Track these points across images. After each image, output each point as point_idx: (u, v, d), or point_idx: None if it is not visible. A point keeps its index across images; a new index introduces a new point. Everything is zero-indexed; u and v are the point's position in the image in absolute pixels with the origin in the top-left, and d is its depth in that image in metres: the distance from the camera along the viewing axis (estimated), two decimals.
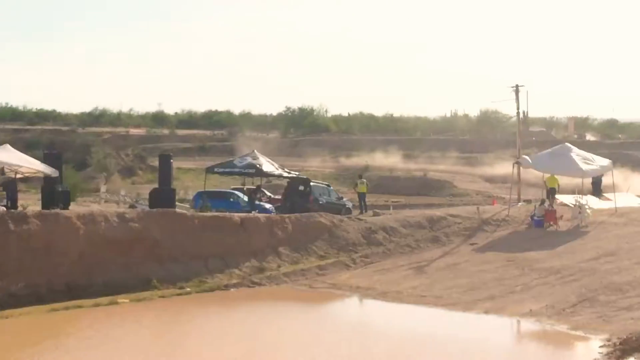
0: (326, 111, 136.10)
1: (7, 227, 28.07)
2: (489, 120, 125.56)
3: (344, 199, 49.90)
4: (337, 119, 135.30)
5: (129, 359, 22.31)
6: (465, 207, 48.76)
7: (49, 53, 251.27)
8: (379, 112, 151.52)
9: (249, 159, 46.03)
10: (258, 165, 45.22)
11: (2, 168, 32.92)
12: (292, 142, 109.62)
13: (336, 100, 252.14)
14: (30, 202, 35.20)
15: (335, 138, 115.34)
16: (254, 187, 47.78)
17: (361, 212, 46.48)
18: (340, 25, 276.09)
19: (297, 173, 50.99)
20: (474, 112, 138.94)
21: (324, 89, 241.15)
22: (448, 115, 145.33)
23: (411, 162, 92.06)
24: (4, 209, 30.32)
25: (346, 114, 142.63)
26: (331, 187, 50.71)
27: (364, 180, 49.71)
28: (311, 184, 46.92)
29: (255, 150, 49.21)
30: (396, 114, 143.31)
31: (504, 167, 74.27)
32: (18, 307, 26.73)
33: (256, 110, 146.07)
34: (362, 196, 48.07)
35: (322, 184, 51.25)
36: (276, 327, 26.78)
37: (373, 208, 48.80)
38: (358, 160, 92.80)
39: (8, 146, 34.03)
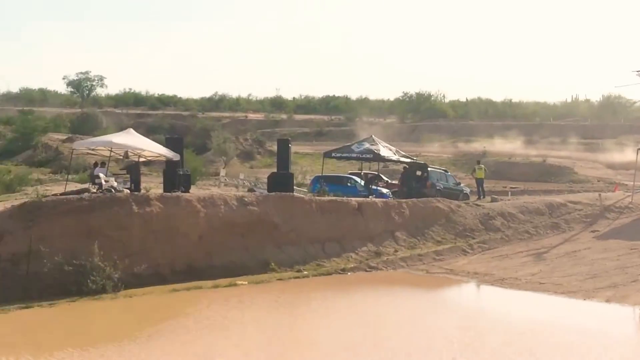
0: (444, 96, 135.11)
1: (131, 209, 28.85)
2: (611, 106, 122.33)
3: (462, 185, 49.42)
4: (454, 104, 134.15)
5: (246, 340, 22.64)
6: (586, 194, 47.72)
7: (170, 39, 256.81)
8: (497, 97, 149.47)
9: (367, 144, 46.01)
10: (375, 150, 45.16)
11: (126, 152, 33.82)
12: (409, 128, 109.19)
13: (454, 86, 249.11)
14: (153, 185, 36.09)
15: (453, 123, 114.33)
16: (372, 172, 47.80)
17: (479, 198, 46.06)
18: (457, 10, 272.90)
19: (414, 158, 50.72)
20: (595, 97, 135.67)
21: (442, 74, 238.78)
22: (568, 100, 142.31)
23: (531, 148, 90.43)
24: (128, 191, 31.18)
25: (464, 100, 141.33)
26: (449, 173, 50.30)
27: (482, 165, 49.09)
28: (428, 169, 46.63)
29: (373, 136, 49.15)
30: (515, 100, 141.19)
31: (627, 154, 72.29)
32: (141, 287, 27.46)
33: (373, 96, 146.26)
34: (479, 182, 47.56)
35: (440, 169, 50.85)
36: (393, 311, 26.77)
37: (491, 194, 48.29)
38: (476, 145, 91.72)
39: (131, 130, 34.95)
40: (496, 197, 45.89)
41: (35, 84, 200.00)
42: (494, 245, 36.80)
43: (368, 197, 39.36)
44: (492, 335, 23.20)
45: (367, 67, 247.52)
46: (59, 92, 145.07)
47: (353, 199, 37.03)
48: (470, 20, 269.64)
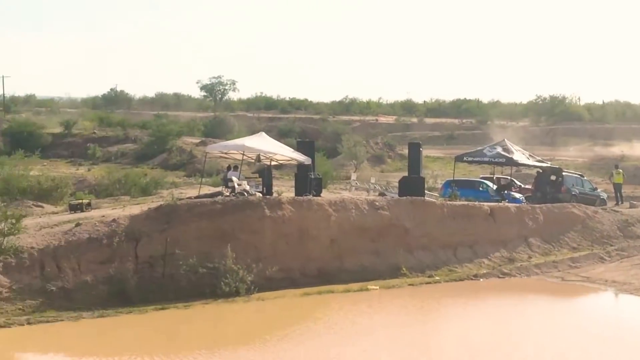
0: (579, 99, 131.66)
1: (263, 213, 29.23)
2: None
3: (598, 190, 48.07)
4: (590, 107, 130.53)
5: (375, 346, 22.62)
6: None
7: (301, 43, 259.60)
8: (636, 100, 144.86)
9: (499, 148, 45.30)
10: (508, 154, 44.43)
11: (258, 155, 34.29)
12: (542, 131, 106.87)
13: (589, 88, 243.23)
14: (284, 189, 36.46)
15: (589, 126, 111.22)
16: (504, 176, 47.06)
17: (617, 204, 44.79)
18: (592, 11, 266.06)
19: (548, 162, 49.63)
20: None
21: (576, 77, 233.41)
22: None
23: None
24: (260, 194, 31.59)
25: (600, 102, 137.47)
26: (584, 177, 49.00)
27: (620, 170, 47.63)
28: (563, 173, 45.55)
29: (505, 139, 48.36)
30: None
31: None
32: (273, 290, 27.77)
33: (505, 99, 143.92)
34: (617, 187, 46.22)
35: (575, 173, 49.58)
36: (526, 320, 26.30)
37: (629, 200, 46.80)
38: (613, 149, 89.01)
39: (263, 134, 35.43)
40: (635, 203, 44.48)
41: (169, 89, 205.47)
42: (633, 253, 35.69)
43: (500, 202, 38.76)
44: (631, 346, 22.49)
45: (498, 70, 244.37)
46: (192, 96, 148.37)
47: (485, 203, 36.54)
48: (605, 20, 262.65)
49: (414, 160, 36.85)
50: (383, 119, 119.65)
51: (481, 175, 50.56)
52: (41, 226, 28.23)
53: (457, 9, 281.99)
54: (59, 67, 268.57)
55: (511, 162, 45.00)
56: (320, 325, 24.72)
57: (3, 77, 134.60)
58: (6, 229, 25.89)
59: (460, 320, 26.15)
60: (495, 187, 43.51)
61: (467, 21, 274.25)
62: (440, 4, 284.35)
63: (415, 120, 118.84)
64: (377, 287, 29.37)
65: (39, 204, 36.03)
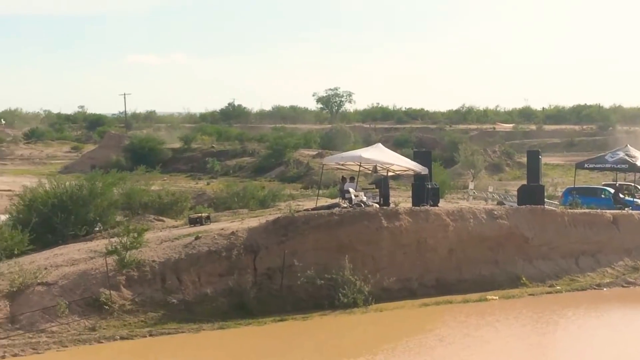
0: None
1: (380, 223, 29.16)
2: None
3: None
4: None
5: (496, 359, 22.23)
6: None
7: (416, 52, 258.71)
8: None
9: (622, 154, 44.15)
10: (631, 160, 43.23)
11: (375, 166, 34.26)
12: None
13: None
14: (401, 199, 36.32)
15: None
16: (627, 183, 45.79)
17: None
18: None
19: None
20: None
21: None
22: None
23: None
24: (377, 205, 31.55)
25: None
26: None
27: None
28: None
29: (628, 145, 47.08)
30: None
31: None
32: (391, 301, 27.68)
33: (628, 103, 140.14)
34: None
35: None
36: None
37: None
38: None
39: (380, 145, 35.40)
40: None
41: (286, 102, 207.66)
42: None
43: (623, 209, 37.69)
44: None
45: (620, 73, 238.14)
46: (309, 108, 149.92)
47: (607, 211, 35.61)
48: None
49: (533, 168, 36.25)
50: (501, 127, 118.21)
51: (603, 183, 49.35)
52: (162, 240, 28.84)
53: (574, 12, 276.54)
54: (178, 83, 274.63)
55: (635, 169, 43.77)
56: (430, 338, 24.45)
57: (125, 94, 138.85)
58: (128, 242, 26.60)
59: (580, 332, 25.51)
60: (618, 194, 42.34)
61: (585, 24, 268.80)
62: (557, 8, 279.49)
63: (533, 127, 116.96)
64: (497, 298, 28.93)
65: (160, 217, 36.80)
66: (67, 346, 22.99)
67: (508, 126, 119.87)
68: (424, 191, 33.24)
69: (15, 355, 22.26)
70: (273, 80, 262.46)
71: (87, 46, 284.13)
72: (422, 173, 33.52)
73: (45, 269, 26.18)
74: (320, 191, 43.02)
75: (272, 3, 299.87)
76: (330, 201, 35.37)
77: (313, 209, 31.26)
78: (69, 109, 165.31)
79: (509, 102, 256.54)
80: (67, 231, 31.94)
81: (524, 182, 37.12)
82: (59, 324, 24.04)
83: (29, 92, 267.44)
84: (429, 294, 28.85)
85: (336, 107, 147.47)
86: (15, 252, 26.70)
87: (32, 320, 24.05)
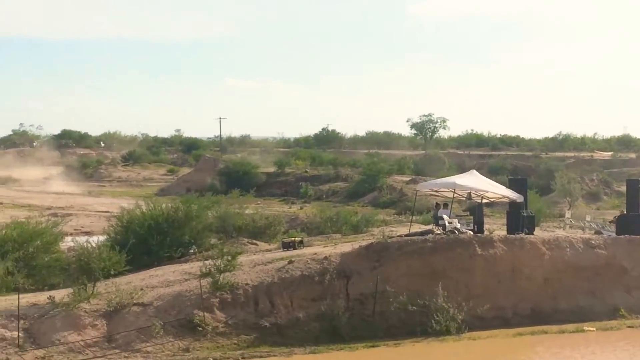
0: None
1: (474, 251, 28.90)
2: None
3: None
4: None
5: None
6: None
7: (509, 78, 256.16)
8: None
9: None
10: None
11: (469, 193, 33.96)
12: None
13: None
14: (495, 227, 35.89)
15: None
16: None
17: None
18: None
19: None
20: None
21: None
22: None
23: None
24: (471, 233, 31.26)
25: None
26: None
27: None
28: None
29: None
30: None
31: None
32: (485, 330, 27.33)
33: None
34: None
35: None
36: None
37: None
38: None
39: (474, 172, 35.10)
40: None
41: (380, 127, 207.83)
42: None
43: None
44: None
45: None
46: (402, 134, 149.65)
47: None
48: None
49: (633, 198, 35.40)
50: (599, 155, 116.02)
51: None
52: (255, 263, 29.10)
53: None
54: (273, 108, 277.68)
55: None
56: None
57: (220, 119, 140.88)
58: (222, 265, 26.94)
59: None
60: None
61: None
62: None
63: (633, 155, 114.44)
64: (594, 329, 28.28)
65: (253, 241, 37.13)
66: None
67: (607, 154, 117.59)
68: (519, 219, 32.78)
69: None
70: (367, 105, 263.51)
71: (185, 71, 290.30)
72: (518, 201, 33.09)
73: (141, 289, 26.72)
74: (414, 217, 42.78)
75: (368, 29, 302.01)
76: (423, 227, 35.15)
77: (406, 235, 31.13)
78: (166, 132, 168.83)
79: (608, 129, 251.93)
80: (162, 253, 32.53)
81: (624, 211, 36.23)
82: (153, 344, 24.44)
83: (127, 116, 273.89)
84: (523, 323, 28.37)
85: (430, 133, 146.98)
86: (113, 272, 27.25)
87: (128, 339, 24.53)
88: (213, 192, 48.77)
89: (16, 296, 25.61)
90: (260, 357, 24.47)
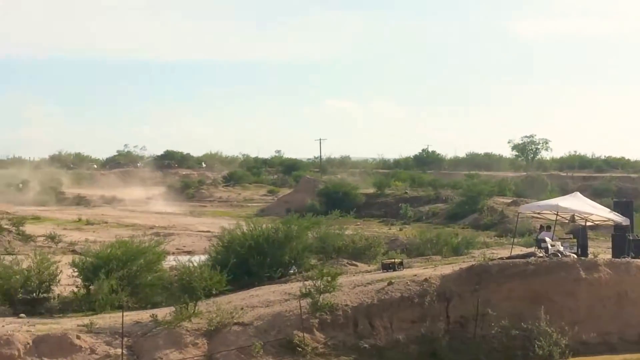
0: None
1: (578, 275, 28.32)
2: None
3: None
4: None
5: None
6: None
7: (616, 100, 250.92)
8: None
9: None
10: None
11: (573, 215, 33.38)
12: None
13: None
14: (600, 250, 35.11)
15: None
16: None
17: None
18: None
19: None
20: None
21: None
22: None
23: None
24: (574, 256, 30.66)
25: None
26: None
27: None
28: None
29: None
30: None
31: None
32: (589, 355, 26.74)
33: None
34: None
35: None
36: None
37: None
38: None
39: (578, 194, 34.51)
40: None
41: (480, 149, 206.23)
42: None
43: None
44: None
45: None
46: (503, 156, 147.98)
47: None
48: None
49: None
50: None
51: None
52: (355, 284, 29.08)
53: None
54: (372, 129, 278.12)
55: None
56: None
57: (320, 140, 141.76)
58: (322, 286, 27.02)
59: None
60: None
61: None
62: None
63: None
64: None
65: (353, 262, 37.12)
66: None
67: None
68: (624, 242, 32.01)
69: None
70: (467, 127, 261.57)
71: (286, 92, 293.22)
72: (623, 224, 32.34)
73: (242, 309, 26.98)
74: (515, 240, 42.17)
75: (467, 51, 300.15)
76: (525, 250, 34.66)
77: (508, 258, 30.75)
78: (266, 153, 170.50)
79: None
80: (262, 273, 32.76)
81: None
82: None
83: (229, 136, 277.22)
84: (630, 349, 27.60)
85: (532, 155, 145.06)
86: (214, 292, 27.60)
87: (228, 359, 24.78)
88: (313, 212, 48.80)
89: (120, 314, 26.17)
90: None
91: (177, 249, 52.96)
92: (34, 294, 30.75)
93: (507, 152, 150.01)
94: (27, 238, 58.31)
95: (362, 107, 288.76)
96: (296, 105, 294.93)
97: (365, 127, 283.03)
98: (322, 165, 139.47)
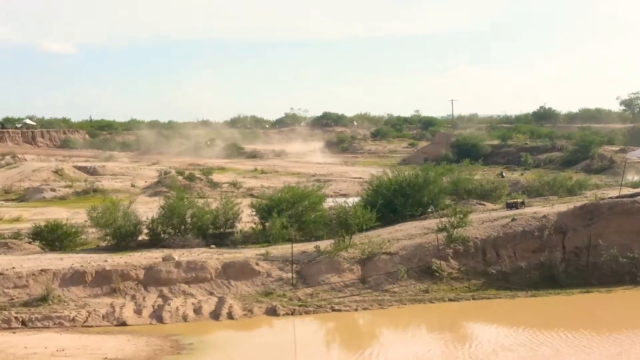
0: None
1: None
2: None
3: None
4: None
5: None
6: None
7: None
8: None
9: None
10: None
11: None
12: None
13: None
14: None
15: None
16: None
17: None
18: None
19: None
20: None
21: None
22: None
23: None
24: None
25: None
26: None
27: None
28: None
29: None
30: None
31: None
32: None
33: None
34: None
35: None
36: None
37: None
38: None
39: None
40: None
41: (592, 104, 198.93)
42: None
43: None
44: None
45: None
46: (612, 110, 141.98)
47: None
48: None
49: None
50: None
51: None
52: (483, 220, 28.77)
53: None
54: (497, 90, 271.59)
55: None
56: None
57: (452, 100, 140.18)
58: (455, 222, 26.87)
59: None
60: None
61: None
62: None
63: None
64: None
65: (481, 202, 36.66)
66: (405, 304, 23.68)
67: None
68: None
69: (365, 309, 23.31)
70: (580, 84, 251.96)
71: (423, 60, 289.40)
72: None
73: (389, 241, 27.17)
74: (623, 182, 40.57)
75: (576, 13, 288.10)
76: (632, 191, 33.31)
77: (617, 197, 29.64)
78: (407, 112, 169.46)
79: None
80: (405, 211, 32.78)
81: None
82: (399, 286, 24.80)
83: (377, 98, 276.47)
84: None
85: (638, 109, 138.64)
86: (365, 227, 27.87)
87: (378, 282, 25.04)
88: (447, 161, 48.46)
89: (289, 245, 26.83)
90: (488, 298, 24.23)
91: (334, 192, 53.65)
92: (221, 229, 31.91)
93: (616, 107, 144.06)
94: (214, 185, 60.34)
95: (486, 71, 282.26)
96: (432, 71, 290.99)
97: (490, 89, 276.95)
98: (454, 122, 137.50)
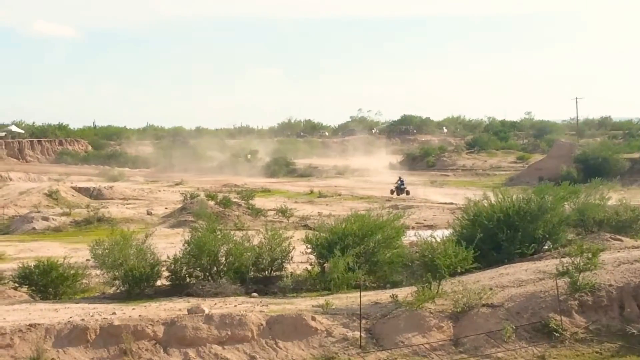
0: None
1: None
2: None
3: None
4: None
5: None
6: None
7: None
8: None
9: None
10: None
11: None
12: None
13: None
14: None
15: None
16: None
17: None
18: None
19: None
20: None
21: None
22: None
23: None
24: None
25: None
26: None
27: None
28: None
29: None
30: None
31: None
32: None
33: None
34: None
35: None
36: None
37: None
38: None
39: None
40: None
41: None
42: None
43: None
44: None
45: None
46: None
47: None
48: None
49: None
50: None
51: None
52: (620, 261, 28.39)
53: None
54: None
55: None
56: None
57: (577, 99, 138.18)
58: (582, 264, 26.54)
59: None
60: None
61: None
62: None
63: None
64: None
65: (617, 236, 36.17)
66: None
67: None
68: None
69: None
70: None
71: (535, 45, 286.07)
72: None
73: (491, 289, 26.97)
74: None
75: None
76: None
77: None
78: (515, 115, 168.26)
79: None
80: (513, 249, 32.55)
81: None
82: (504, 350, 24.58)
83: (473, 98, 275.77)
84: None
85: None
86: (459, 270, 27.76)
87: (476, 344, 24.85)
88: (569, 181, 47.84)
89: (357, 294, 26.78)
90: None
91: (417, 222, 53.62)
92: (266, 272, 32.12)
93: None
94: (256, 212, 60.72)
95: (618, 66, 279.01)
96: (549, 60, 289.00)
97: (628, 84, 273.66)
98: (578, 128, 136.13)
